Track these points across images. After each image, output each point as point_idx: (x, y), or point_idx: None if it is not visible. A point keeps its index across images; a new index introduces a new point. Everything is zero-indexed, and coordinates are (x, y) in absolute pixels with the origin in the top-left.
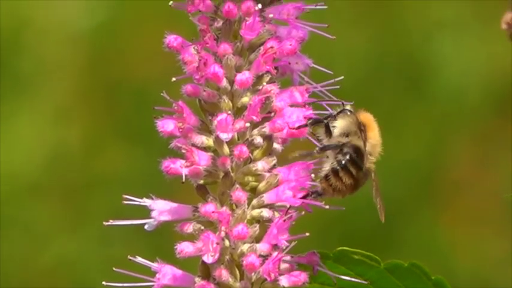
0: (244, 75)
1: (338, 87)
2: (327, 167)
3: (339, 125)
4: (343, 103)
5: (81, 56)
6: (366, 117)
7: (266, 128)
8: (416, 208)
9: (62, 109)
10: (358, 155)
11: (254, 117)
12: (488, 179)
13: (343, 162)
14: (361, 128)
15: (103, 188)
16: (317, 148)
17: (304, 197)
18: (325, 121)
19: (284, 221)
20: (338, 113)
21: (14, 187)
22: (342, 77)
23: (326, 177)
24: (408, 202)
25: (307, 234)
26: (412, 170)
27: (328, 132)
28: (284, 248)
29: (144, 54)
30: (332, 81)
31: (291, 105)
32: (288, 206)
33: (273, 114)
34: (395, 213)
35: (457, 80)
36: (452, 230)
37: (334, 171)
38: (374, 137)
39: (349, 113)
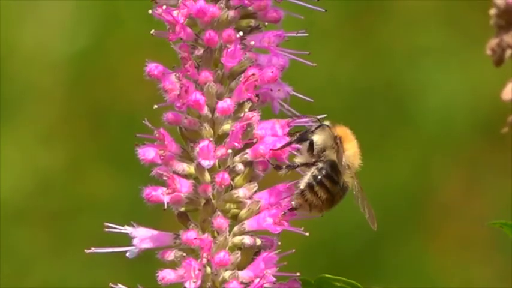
0: (226, 103)
1: (325, 115)
2: (302, 183)
3: (316, 140)
4: (319, 119)
5: (64, 82)
6: (342, 130)
7: (248, 154)
8: (403, 233)
9: (45, 135)
10: (334, 169)
11: (236, 144)
12: (476, 204)
13: (319, 177)
14: (336, 141)
15: (87, 214)
16: (295, 164)
17: (283, 215)
18: (308, 137)
19: (272, 254)
20: (315, 129)
21: None
22: (325, 115)
23: (302, 192)
24: (395, 227)
25: (298, 274)
26: (399, 195)
27: (311, 149)
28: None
29: (129, 80)
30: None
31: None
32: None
33: (255, 140)
34: (382, 238)
35: (444, 105)
36: (440, 255)
37: (310, 187)
38: (351, 148)
39: (325, 128)
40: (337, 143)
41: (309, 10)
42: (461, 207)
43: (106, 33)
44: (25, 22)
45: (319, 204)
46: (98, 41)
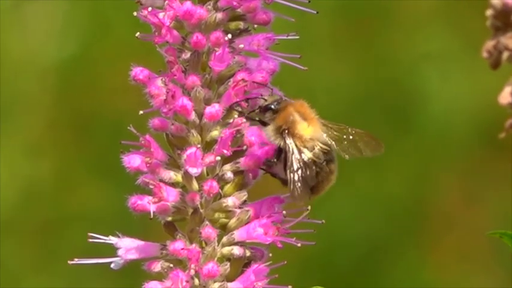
0: (214, 108)
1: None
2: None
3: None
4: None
5: (51, 90)
6: (297, 107)
7: (239, 164)
8: (401, 244)
9: (32, 144)
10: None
11: (225, 151)
12: (476, 214)
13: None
14: (283, 136)
15: (74, 225)
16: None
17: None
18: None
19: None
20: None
21: None
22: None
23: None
24: (393, 238)
25: (290, 287)
26: (397, 204)
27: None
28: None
29: (117, 87)
30: None
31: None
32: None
33: (244, 147)
34: (380, 249)
35: (444, 113)
36: (439, 266)
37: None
38: (306, 129)
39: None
40: (284, 138)
41: (303, 14)
42: (461, 218)
43: (94, 41)
44: (11, 29)
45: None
46: (86, 48)
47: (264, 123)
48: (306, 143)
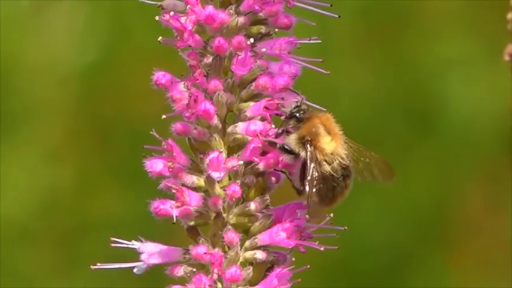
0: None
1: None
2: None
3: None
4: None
5: (72, 96)
6: (312, 124)
7: (259, 165)
8: (424, 251)
9: (53, 151)
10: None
11: (256, 159)
12: (500, 220)
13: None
14: (306, 146)
15: (95, 232)
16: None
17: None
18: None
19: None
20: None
21: (3, 231)
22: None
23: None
24: (416, 245)
25: None
26: (420, 211)
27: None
28: None
29: (138, 93)
30: None
31: None
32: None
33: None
34: (402, 256)
35: (466, 118)
36: (462, 273)
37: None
38: (329, 143)
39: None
40: (305, 149)
41: (324, 18)
42: (484, 224)
43: (114, 46)
44: (32, 35)
45: (330, 196)
46: (107, 54)
47: (286, 132)
48: (326, 156)
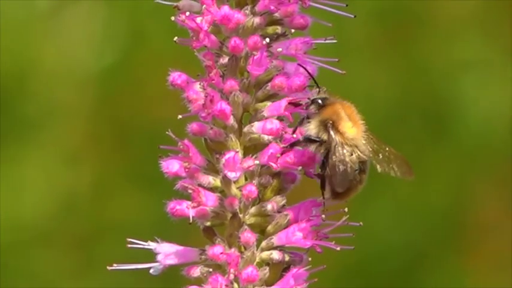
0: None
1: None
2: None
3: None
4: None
5: (90, 99)
6: (335, 108)
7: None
8: (440, 253)
9: (71, 153)
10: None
11: (273, 165)
12: None
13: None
14: (328, 129)
15: (113, 234)
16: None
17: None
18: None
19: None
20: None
21: (21, 234)
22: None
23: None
24: (432, 246)
25: None
26: (435, 213)
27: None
28: None
29: (156, 96)
30: None
31: None
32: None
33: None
34: (419, 258)
35: (482, 121)
36: (477, 274)
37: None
38: (350, 128)
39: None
40: (328, 130)
41: (339, 18)
42: (499, 226)
43: (132, 49)
44: (49, 38)
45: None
46: (124, 57)
47: (307, 118)
48: (347, 141)
